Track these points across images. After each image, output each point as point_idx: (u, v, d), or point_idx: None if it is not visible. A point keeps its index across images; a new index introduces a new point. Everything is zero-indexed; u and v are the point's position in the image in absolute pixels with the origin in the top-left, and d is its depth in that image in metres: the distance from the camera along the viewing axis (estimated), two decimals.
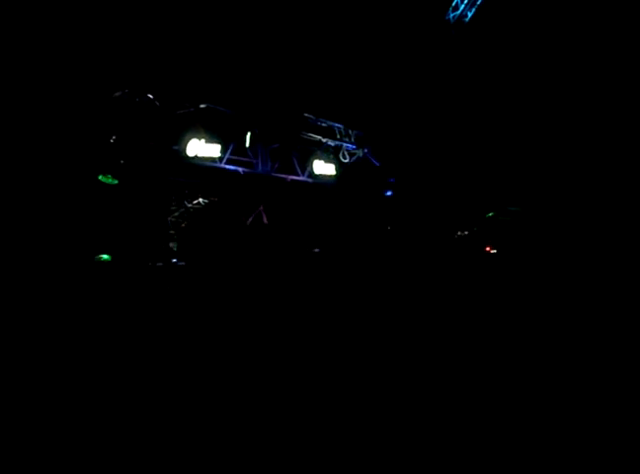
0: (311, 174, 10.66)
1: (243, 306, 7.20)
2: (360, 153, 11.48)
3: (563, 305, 6.76)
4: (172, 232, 9.11)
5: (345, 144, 11.22)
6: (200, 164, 8.84)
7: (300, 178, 10.60)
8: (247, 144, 9.32)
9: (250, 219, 9.21)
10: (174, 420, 3.12)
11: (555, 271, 10.26)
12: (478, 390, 3.67)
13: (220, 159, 9.12)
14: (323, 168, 10.73)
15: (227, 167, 9.33)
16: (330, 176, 11.00)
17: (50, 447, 2.71)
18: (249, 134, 9.24)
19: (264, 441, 2.82)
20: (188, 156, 8.61)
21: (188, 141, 8.58)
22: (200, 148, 8.64)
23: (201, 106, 8.56)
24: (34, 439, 2.78)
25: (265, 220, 9.04)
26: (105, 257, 7.84)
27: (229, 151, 9.22)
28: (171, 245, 8.98)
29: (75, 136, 6.44)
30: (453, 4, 12.07)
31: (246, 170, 9.64)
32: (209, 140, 8.71)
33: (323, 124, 10.67)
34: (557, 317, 6.07)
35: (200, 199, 9.70)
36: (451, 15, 12.29)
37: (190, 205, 9.46)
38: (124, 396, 3.62)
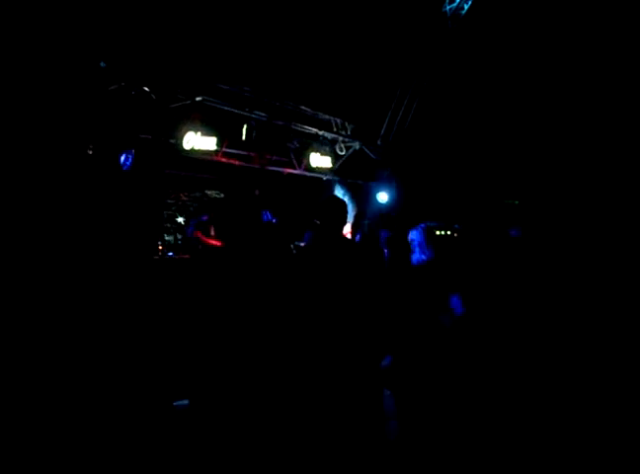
0: (307, 167, 10.66)
1: (238, 299, 7.20)
2: (356, 146, 11.48)
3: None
4: (168, 226, 9.12)
5: (341, 137, 11.21)
6: (196, 157, 8.82)
7: (297, 171, 10.59)
8: (243, 137, 9.29)
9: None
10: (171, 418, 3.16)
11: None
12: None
13: (217, 152, 9.08)
14: (319, 161, 10.72)
15: (223, 160, 9.31)
16: (326, 169, 11.00)
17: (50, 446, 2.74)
18: (245, 127, 9.21)
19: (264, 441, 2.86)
20: (184, 149, 8.58)
21: (184, 134, 8.54)
22: (196, 141, 8.61)
23: (197, 98, 8.51)
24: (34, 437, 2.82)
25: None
26: None
27: (225, 144, 9.19)
28: (167, 238, 8.99)
29: (71, 130, 6.41)
30: None
31: (242, 163, 9.63)
32: (205, 133, 8.67)
33: (320, 117, 10.65)
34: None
35: (197, 193, 9.71)
36: (448, 7, 12.23)
37: (186, 199, 9.47)
38: (121, 391, 3.65)
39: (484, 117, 13.66)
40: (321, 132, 10.68)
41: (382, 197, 12.22)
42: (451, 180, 13.60)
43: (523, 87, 13.26)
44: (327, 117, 10.68)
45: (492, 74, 13.13)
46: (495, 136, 13.70)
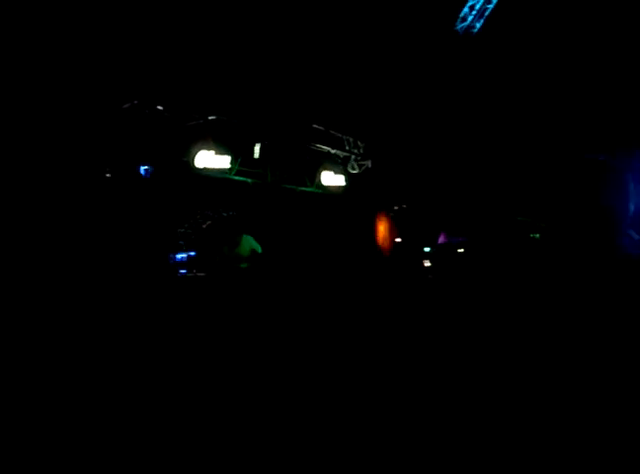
0: (320, 185, 10.64)
1: (248, 314, 7.14)
2: (368, 164, 11.46)
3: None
4: (181, 243, 9.13)
5: (353, 155, 11.21)
6: (209, 175, 8.86)
7: (309, 189, 10.58)
8: (256, 155, 9.33)
9: None
10: (172, 419, 3.09)
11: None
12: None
13: (230, 170, 9.11)
14: (332, 179, 10.70)
15: (236, 178, 9.34)
16: (339, 187, 10.97)
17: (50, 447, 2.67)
18: (258, 145, 9.25)
19: (263, 441, 2.77)
20: (197, 168, 8.64)
21: (197, 153, 8.61)
22: (209, 160, 8.66)
23: (211, 117, 8.60)
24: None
25: None
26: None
27: (238, 162, 9.23)
28: (180, 256, 9.00)
29: (85, 147, 6.49)
30: (462, 15, 12.07)
31: (255, 181, 9.64)
32: (219, 152, 8.72)
33: (332, 136, 10.66)
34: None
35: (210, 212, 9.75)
36: (460, 26, 12.30)
37: (199, 217, 9.50)
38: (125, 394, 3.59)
39: (497, 135, 13.59)
40: (333, 150, 10.69)
41: None
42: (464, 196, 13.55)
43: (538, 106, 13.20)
44: (339, 134, 10.70)
45: (503, 92, 13.08)
46: (509, 153, 13.61)
